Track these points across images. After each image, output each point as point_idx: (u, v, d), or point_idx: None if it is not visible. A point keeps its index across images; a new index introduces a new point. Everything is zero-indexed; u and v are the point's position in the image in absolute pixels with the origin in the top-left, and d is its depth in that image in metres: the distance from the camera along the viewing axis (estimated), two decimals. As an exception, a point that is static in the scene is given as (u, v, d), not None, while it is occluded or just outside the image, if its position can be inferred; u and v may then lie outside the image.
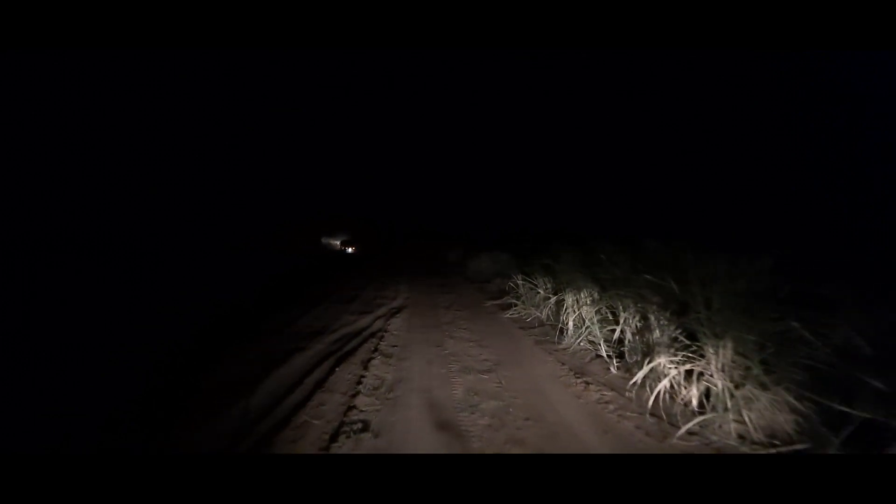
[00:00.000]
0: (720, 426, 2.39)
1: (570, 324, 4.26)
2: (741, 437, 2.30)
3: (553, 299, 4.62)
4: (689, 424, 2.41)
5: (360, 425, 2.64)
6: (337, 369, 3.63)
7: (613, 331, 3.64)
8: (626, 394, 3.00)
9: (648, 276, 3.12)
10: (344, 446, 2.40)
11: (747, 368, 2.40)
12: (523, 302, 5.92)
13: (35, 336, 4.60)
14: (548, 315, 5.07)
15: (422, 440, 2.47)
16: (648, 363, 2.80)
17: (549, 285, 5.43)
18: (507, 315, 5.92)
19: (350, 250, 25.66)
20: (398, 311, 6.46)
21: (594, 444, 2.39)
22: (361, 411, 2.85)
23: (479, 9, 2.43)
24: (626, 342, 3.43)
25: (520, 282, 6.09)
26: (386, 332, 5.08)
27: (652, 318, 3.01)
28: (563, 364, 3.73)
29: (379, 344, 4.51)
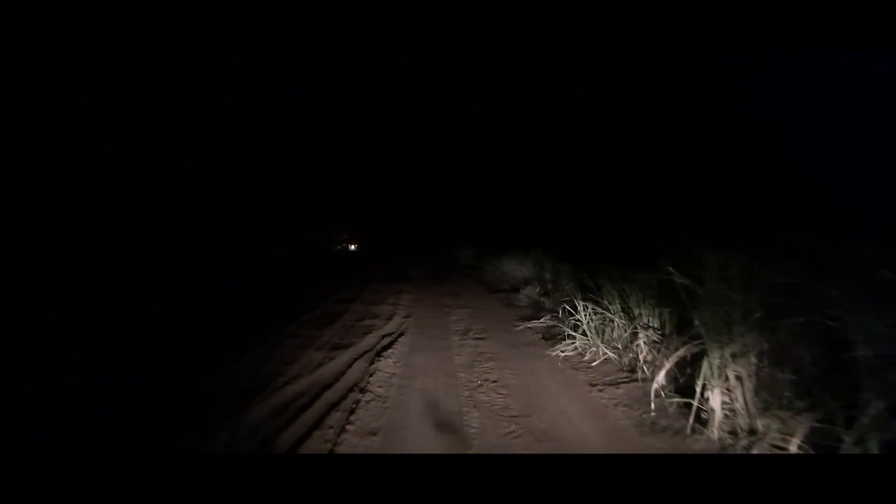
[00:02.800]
0: None
1: (718, 403, 2.12)
2: None
3: (677, 351, 2.42)
4: None
5: None
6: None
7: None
8: None
9: None
10: None
11: None
12: (585, 332, 3.77)
13: (35, 337, 4.46)
14: (653, 372, 2.91)
15: None
16: None
17: (646, 314, 3.27)
18: (559, 352, 3.79)
19: (353, 247, 24.61)
20: (393, 341, 4.38)
21: None
22: None
23: (492, 11, 2.38)
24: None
25: (580, 304, 3.93)
26: (365, 392, 3.01)
27: None
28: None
29: (343, 431, 2.43)
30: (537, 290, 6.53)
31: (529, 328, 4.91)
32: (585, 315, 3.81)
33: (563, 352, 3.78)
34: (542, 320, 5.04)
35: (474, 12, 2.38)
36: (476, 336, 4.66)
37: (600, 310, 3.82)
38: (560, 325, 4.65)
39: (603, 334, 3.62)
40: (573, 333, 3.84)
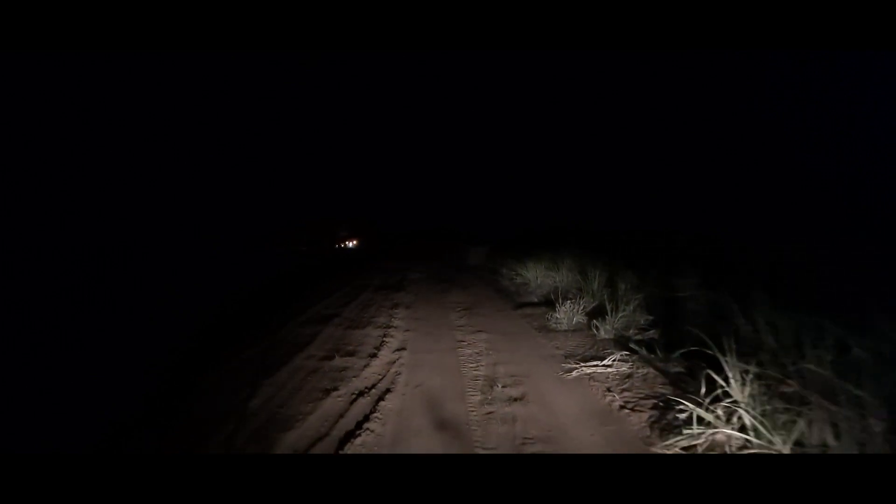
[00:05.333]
0: None
1: None
2: None
3: None
4: None
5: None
6: None
7: None
8: None
9: None
10: None
11: None
12: (748, 417, 1.90)
13: (35, 337, 4.41)
14: None
15: None
16: None
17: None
18: (678, 450, 1.95)
19: (351, 245, 23.76)
20: (370, 410, 2.57)
21: None
22: None
23: (492, 11, 2.35)
24: None
25: (731, 361, 2.02)
26: None
27: None
28: None
29: None
30: (582, 307, 4.69)
31: (590, 377, 3.09)
32: (744, 386, 1.93)
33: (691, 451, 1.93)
34: (608, 361, 3.21)
35: (474, 12, 2.34)
36: (510, 394, 2.83)
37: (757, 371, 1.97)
38: (637, 367, 2.84)
39: (791, 430, 1.75)
40: (710, 418, 1.98)
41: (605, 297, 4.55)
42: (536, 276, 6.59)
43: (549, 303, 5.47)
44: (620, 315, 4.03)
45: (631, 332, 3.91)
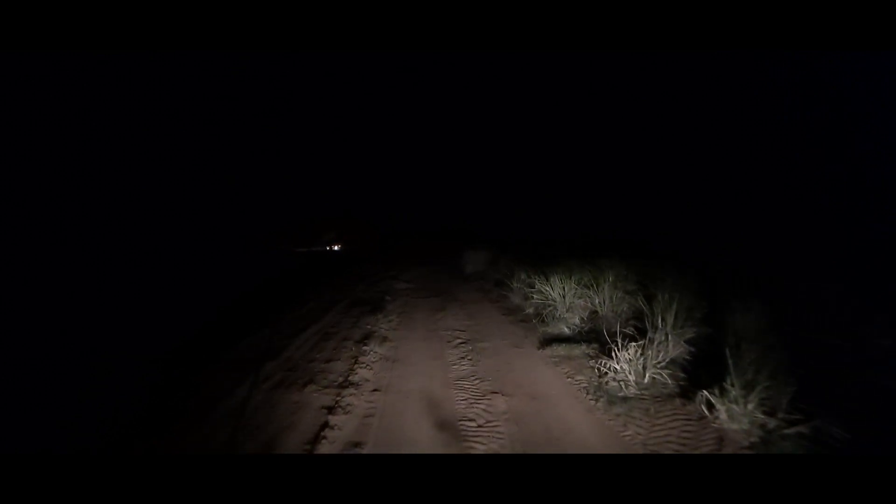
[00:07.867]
0: None
1: None
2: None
3: None
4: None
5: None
6: None
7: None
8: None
9: None
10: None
11: None
12: None
13: (34, 336, 4.39)
14: None
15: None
16: None
17: None
18: None
19: (350, 245, 23.33)
20: None
21: None
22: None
23: (502, 11, 2.27)
24: None
25: None
26: None
27: None
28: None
29: None
30: (660, 353, 2.87)
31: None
32: None
33: None
34: None
35: (486, 13, 2.30)
36: None
37: None
38: None
39: None
40: None
41: (702, 337, 2.75)
42: (564, 294, 4.77)
43: (590, 337, 3.67)
44: (759, 383, 2.21)
45: (781, 415, 2.10)
